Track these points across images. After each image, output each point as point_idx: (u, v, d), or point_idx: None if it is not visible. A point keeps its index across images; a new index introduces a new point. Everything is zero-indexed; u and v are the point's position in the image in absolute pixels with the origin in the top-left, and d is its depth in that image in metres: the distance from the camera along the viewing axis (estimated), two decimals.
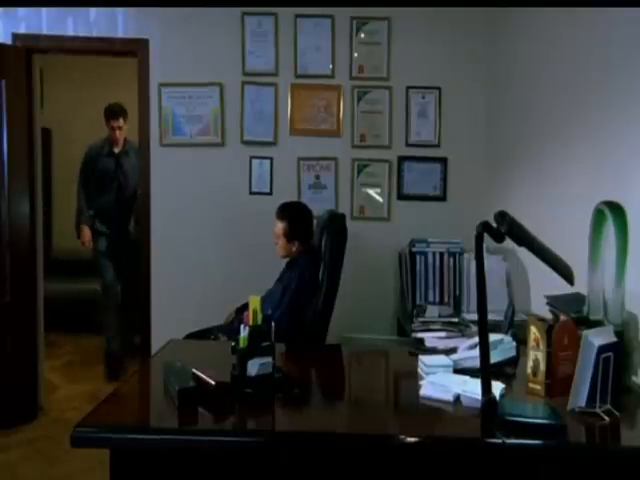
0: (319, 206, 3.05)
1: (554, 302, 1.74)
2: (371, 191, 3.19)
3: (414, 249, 2.85)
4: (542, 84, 2.38)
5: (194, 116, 3.17)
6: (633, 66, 1.66)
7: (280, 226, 2.48)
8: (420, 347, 1.89)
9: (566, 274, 1.29)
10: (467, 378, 1.43)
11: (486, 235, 1.27)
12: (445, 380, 1.42)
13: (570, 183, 2.06)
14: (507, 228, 1.26)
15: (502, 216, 1.28)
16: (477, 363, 1.25)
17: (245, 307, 2.57)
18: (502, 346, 1.60)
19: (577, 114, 2.03)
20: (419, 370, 1.57)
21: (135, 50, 3.15)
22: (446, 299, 2.75)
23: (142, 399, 1.51)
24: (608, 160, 1.79)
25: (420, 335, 2.05)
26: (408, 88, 3.14)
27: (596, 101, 1.88)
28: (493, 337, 1.58)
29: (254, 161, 3.17)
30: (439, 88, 3.13)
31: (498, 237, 1.29)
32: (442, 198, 3.17)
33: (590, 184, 1.89)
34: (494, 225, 1.29)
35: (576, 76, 2.06)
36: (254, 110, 3.16)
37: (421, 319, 2.18)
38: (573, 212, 1.96)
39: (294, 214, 2.51)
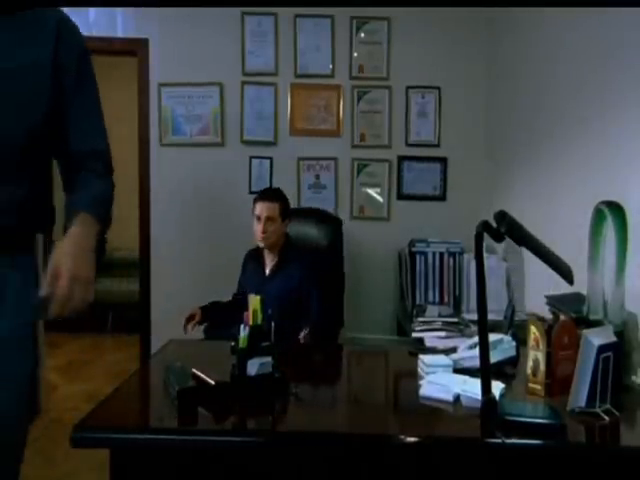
0: (319, 206, 3.05)
1: (554, 302, 1.74)
2: (371, 191, 3.19)
3: (414, 249, 2.85)
4: (542, 84, 2.38)
5: (194, 116, 3.17)
6: (633, 67, 1.66)
7: (274, 207, 2.38)
8: (420, 347, 1.89)
9: (566, 274, 1.29)
10: (467, 378, 1.43)
11: (486, 235, 1.26)
12: (445, 380, 1.42)
13: (570, 183, 2.06)
14: (507, 228, 1.26)
15: (502, 216, 1.27)
16: (477, 363, 1.25)
17: (210, 306, 2.48)
18: (502, 346, 1.60)
19: (577, 114, 2.03)
20: (419, 370, 1.57)
21: (135, 50, 3.15)
22: (446, 299, 2.75)
23: (142, 399, 1.51)
24: (608, 160, 1.79)
25: (420, 335, 2.06)
26: (408, 88, 3.14)
27: (596, 101, 1.88)
28: (493, 337, 1.58)
29: (254, 161, 3.18)
30: (439, 88, 3.13)
31: (498, 237, 1.29)
32: (442, 198, 3.17)
33: (590, 184, 1.89)
34: (494, 225, 1.29)
35: (576, 76, 2.06)
36: (254, 110, 3.16)
37: (421, 319, 2.19)
38: (573, 212, 1.96)
39: (283, 194, 2.48)
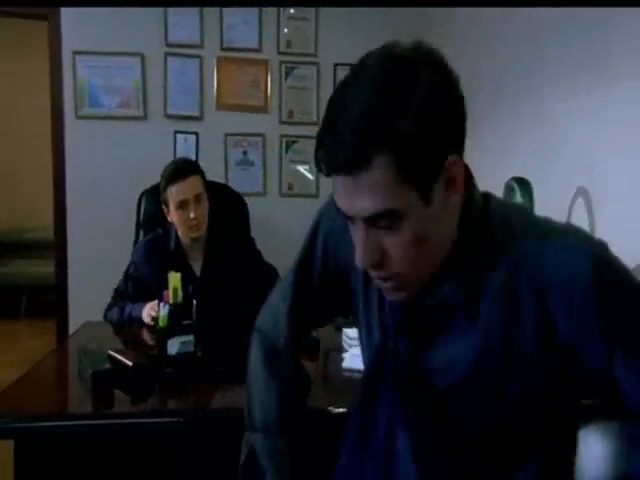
0: (247, 183, 3.00)
1: None
2: (300, 168, 3.17)
3: None
4: (477, 64, 2.43)
5: (113, 87, 2.99)
6: (565, 47, 1.73)
7: (197, 180, 1.86)
8: (345, 321, 1.91)
9: None
10: None
11: None
12: None
13: (488, 159, 2.14)
14: None
15: None
16: None
17: None
18: None
19: (506, 97, 2.10)
20: (343, 343, 1.59)
21: (45, 13, 2.92)
22: None
23: (53, 385, 1.43)
24: (539, 137, 1.87)
25: None
26: (336, 65, 3.13)
27: (529, 83, 1.95)
28: None
29: (179, 136, 3.06)
30: None
31: None
32: None
33: (503, 161, 1.98)
34: None
35: (513, 57, 2.12)
36: (178, 83, 3.03)
37: None
38: (494, 188, 2.04)
39: (197, 162, 2.08)
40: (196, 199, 1.84)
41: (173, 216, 1.86)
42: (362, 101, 0.59)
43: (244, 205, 2.40)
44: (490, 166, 2.08)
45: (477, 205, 0.70)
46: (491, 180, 1.94)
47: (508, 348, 0.68)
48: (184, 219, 1.84)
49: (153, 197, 2.07)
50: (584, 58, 1.63)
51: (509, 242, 0.68)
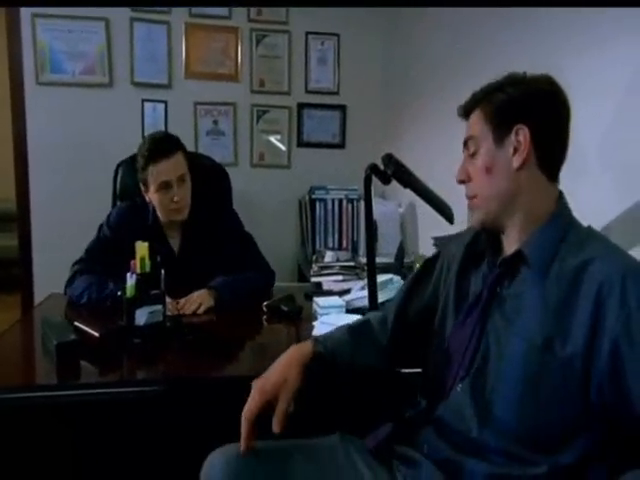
0: (218, 153, 2.94)
1: (440, 242, 1.84)
2: (272, 138, 3.13)
3: (314, 196, 2.87)
4: (442, 34, 2.42)
5: (76, 53, 2.87)
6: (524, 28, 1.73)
7: (181, 159, 1.71)
8: (316, 289, 1.93)
9: (447, 214, 1.36)
10: (358, 317, 1.48)
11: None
12: (336, 320, 1.46)
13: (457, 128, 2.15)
14: (393, 170, 1.29)
15: (389, 158, 1.30)
16: (367, 302, 1.29)
17: None
18: (391, 285, 1.68)
19: (470, 67, 2.10)
20: (314, 312, 1.60)
21: None
22: (345, 244, 2.82)
23: (18, 356, 1.39)
24: None
25: (318, 279, 2.09)
26: (307, 34, 3.06)
27: (487, 56, 1.95)
28: (383, 277, 1.65)
29: (147, 105, 2.97)
30: (338, 35, 3.09)
31: (385, 179, 1.32)
32: (341, 145, 3.19)
33: None
34: (382, 168, 1.31)
35: (474, 30, 2.11)
36: (145, 49, 2.93)
37: (319, 264, 2.22)
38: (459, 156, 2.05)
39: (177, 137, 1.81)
40: (179, 180, 1.69)
41: (153, 197, 1.71)
42: (491, 83, 0.96)
43: (226, 176, 2.25)
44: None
45: (565, 208, 0.93)
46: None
47: (556, 331, 0.82)
48: (166, 202, 1.70)
49: (130, 168, 1.92)
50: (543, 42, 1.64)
51: (583, 243, 0.86)
